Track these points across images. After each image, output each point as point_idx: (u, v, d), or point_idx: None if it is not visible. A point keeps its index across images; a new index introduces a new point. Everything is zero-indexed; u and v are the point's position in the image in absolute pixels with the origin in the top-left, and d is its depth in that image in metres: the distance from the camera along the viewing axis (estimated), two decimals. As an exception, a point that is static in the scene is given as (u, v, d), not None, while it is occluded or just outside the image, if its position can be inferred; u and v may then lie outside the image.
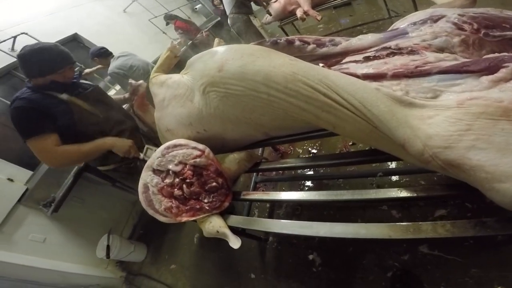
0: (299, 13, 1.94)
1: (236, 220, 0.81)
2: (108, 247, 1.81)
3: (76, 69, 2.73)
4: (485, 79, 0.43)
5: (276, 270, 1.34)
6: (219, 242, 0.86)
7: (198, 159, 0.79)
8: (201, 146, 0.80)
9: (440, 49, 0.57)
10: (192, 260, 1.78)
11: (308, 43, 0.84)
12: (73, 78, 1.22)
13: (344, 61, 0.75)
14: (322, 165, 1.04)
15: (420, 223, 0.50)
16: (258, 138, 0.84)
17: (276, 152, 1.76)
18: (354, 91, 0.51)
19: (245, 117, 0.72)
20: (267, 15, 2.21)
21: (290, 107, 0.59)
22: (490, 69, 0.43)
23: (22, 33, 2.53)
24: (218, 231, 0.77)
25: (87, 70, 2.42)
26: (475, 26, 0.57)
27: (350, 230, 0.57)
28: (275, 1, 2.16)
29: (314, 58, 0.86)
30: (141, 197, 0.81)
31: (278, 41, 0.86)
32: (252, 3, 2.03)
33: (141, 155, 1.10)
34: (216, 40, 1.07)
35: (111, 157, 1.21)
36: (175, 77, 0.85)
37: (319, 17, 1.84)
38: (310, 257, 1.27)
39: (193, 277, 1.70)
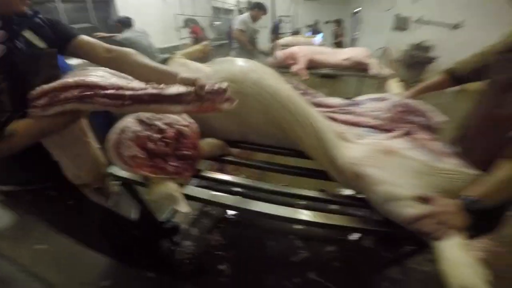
0: (294, 68, 2.40)
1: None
2: None
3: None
4: (386, 135, 0.71)
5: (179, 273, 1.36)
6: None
7: (184, 127, 0.92)
8: (190, 120, 0.95)
9: (376, 118, 0.88)
10: (76, 248, 1.54)
11: (299, 89, 1.14)
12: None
13: (315, 108, 1.04)
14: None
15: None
16: (234, 136, 1.02)
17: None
18: (317, 121, 0.76)
19: (240, 112, 0.88)
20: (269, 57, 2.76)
21: (278, 115, 0.80)
22: (390, 131, 0.72)
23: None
24: (171, 194, 0.84)
25: (101, 34, 2.54)
26: (399, 109, 0.91)
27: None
28: (282, 49, 2.65)
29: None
30: (113, 136, 0.84)
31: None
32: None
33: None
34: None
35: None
36: (197, 64, 1.06)
37: (306, 77, 2.34)
38: (220, 267, 1.35)
39: (66, 265, 1.47)
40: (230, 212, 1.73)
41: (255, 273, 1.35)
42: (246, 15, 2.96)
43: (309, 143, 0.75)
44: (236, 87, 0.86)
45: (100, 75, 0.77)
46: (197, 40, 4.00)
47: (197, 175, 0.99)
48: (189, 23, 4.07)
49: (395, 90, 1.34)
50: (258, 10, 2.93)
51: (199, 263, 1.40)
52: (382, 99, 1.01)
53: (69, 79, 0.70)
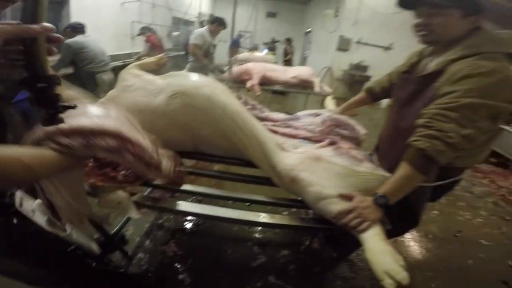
0: (249, 83, 2.57)
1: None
2: None
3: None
4: (316, 145, 0.88)
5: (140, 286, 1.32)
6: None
7: (135, 137, 0.94)
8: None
9: (310, 131, 1.05)
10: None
11: (248, 104, 1.26)
12: None
13: (262, 122, 1.17)
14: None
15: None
16: (186, 147, 1.07)
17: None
18: (261, 133, 0.88)
19: (190, 124, 0.96)
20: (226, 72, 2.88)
21: (227, 128, 0.88)
22: (319, 141, 0.89)
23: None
24: (120, 202, 0.85)
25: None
26: (329, 123, 1.08)
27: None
28: (240, 64, 2.81)
29: (248, 114, 1.27)
30: None
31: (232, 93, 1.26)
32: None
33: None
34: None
35: None
36: (150, 76, 1.08)
37: (258, 93, 2.53)
38: (180, 277, 1.34)
39: None
40: (185, 222, 1.73)
41: (216, 280, 1.37)
42: (204, 29, 3.02)
43: (255, 154, 0.87)
44: (188, 101, 0.92)
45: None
46: (152, 49, 3.89)
47: (151, 184, 1.01)
48: (145, 31, 3.95)
49: (330, 106, 1.58)
50: (218, 25, 3.00)
51: (159, 274, 1.36)
52: (316, 115, 1.19)
53: (108, 125, 0.62)
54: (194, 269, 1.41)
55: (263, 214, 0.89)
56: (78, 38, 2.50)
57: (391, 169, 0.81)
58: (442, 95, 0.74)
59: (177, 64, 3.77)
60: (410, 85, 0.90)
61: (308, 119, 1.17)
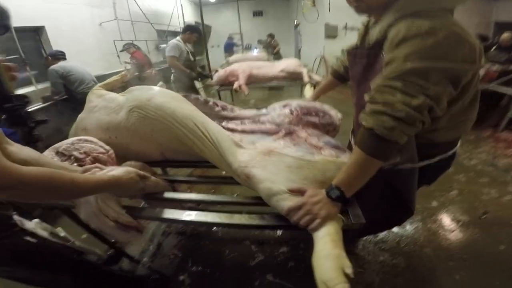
0: (235, 85, 2.54)
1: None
2: None
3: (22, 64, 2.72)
4: (272, 137, 0.86)
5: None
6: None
7: (100, 155, 0.97)
8: (107, 147, 1.00)
9: (277, 124, 1.02)
10: None
11: (218, 106, 1.26)
12: None
13: (231, 121, 1.17)
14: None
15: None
16: (155, 157, 1.09)
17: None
18: (216, 133, 0.87)
19: (151, 135, 0.99)
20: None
21: (180, 133, 0.90)
22: (275, 133, 0.87)
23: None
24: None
25: None
26: (298, 112, 1.04)
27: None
28: (221, 69, 2.77)
29: (218, 117, 1.26)
30: None
31: (199, 98, 1.26)
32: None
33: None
34: (160, 83, 1.43)
35: None
36: (112, 94, 1.11)
37: (246, 92, 2.49)
38: (181, 277, 1.37)
39: None
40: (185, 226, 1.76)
41: (215, 280, 1.39)
42: (177, 39, 2.97)
43: (210, 154, 0.86)
44: (143, 113, 0.94)
45: None
46: (139, 65, 3.98)
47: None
48: (128, 47, 4.05)
49: (308, 94, 1.54)
50: (190, 33, 2.97)
51: (161, 276, 1.39)
52: (285, 106, 1.17)
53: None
54: (194, 270, 1.44)
55: (241, 216, 0.81)
56: (62, 63, 2.60)
57: None
58: (386, 65, 0.65)
59: (168, 76, 3.83)
60: (361, 60, 0.84)
61: (276, 111, 1.14)
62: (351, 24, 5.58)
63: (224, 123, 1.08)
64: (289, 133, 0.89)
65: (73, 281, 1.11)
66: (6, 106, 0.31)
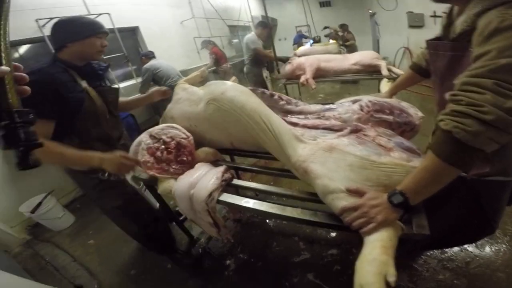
0: (302, 78, 2.49)
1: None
2: (39, 204, 1.85)
3: (125, 60, 3.44)
4: (335, 134, 0.83)
5: (191, 265, 1.55)
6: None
7: (183, 140, 1.16)
8: (188, 134, 1.19)
9: (345, 120, 0.98)
10: (116, 244, 1.85)
11: (282, 99, 1.29)
12: (100, 68, 1.20)
13: (295, 115, 1.18)
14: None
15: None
16: (225, 145, 1.23)
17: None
18: (278, 126, 0.90)
19: (223, 126, 1.11)
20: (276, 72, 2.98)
21: (247, 124, 0.97)
22: (341, 130, 0.84)
23: (105, 13, 3.07)
24: (171, 191, 1.07)
25: None
26: (369, 109, 0.98)
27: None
28: (289, 63, 2.76)
29: (282, 110, 1.30)
30: (133, 147, 1.15)
31: (266, 92, 1.32)
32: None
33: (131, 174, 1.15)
34: (233, 77, 1.58)
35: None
36: (194, 88, 1.30)
37: (313, 86, 2.41)
38: (227, 262, 1.51)
39: (106, 257, 1.78)
40: (242, 214, 1.90)
41: (256, 270, 1.48)
42: (252, 34, 3.27)
43: (272, 146, 0.90)
44: (217, 105, 1.06)
45: None
46: (217, 59, 4.36)
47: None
48: (206, 44, 4.48)
49: (384, 89, 1.39)
50: (262, 28, 3.23)
51: (211, 257, 1.58)
52: (354, 101, 1.10)
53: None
54: (240, 257, 1.56)
55: (293, 209, 0.84)
56: (152, 62, 3.11)
57: None
58: (475, 59, 0.56)
59: (242, 69, 4.04)
60: (444, 53, 0.73)
61: (344, 107, 1.09)
62: (440, 12, 4.58)
63: (288, 117, 1.11)
64: (355, 131, 0.84)
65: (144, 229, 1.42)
66: (2, 123, 0.36)
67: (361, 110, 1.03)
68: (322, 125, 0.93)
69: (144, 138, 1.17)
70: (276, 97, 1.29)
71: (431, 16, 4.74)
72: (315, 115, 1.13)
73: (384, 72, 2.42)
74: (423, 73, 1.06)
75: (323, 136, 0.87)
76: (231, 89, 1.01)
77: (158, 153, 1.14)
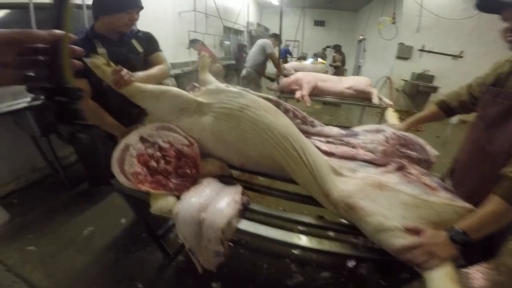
0: (298, 94, 2.47)
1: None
2: None
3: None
4: (379, 169, 0.75)
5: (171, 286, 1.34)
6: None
7: (185, 147, 0.95)
8: (191, 140, 0.96)
9: (370, 151, 0.92)
10: (66, 252, 1.52)
11: (297, 117, 1.18)
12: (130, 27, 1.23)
13: (313, 137, 1.08)
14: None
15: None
16: (233, 163, 1.02)
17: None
18: (313, 157, 0.80)
19: (238, 145, 0.93)
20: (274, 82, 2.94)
21: (274, 151, 0.83)
22: (383, 165, 0.76)
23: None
24: (170, 210, 0.85)
25: None
26: (394, 142, 0.95)
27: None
28: (287, 76, 2.74)
29: (296, 129, 1.19)
30: (117, 153, 0.88)
31: (280, 103, 1.18)
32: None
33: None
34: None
35: None
36: (189, 96, 1.01)
37: (308, 104, 2.41)
38: (214, 285, 1.34)
39: (54, 269, 1.43)
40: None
41: None
42: (269, 40, 3.31)
43: (303, 177, 0.79)
44: (235, 124, 0.88)
45: None
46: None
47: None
48: (194, 44, 4.25)
49: (392, 120, 1.38)
50: (275, 40, 3.32)
51: (194, 279, 1.37)
52: (378, 131, 1.04)
53: None
54: (228, 278, 1.39)
55: (306, 237, 0.78)
56: None
57: (470, 197, 0.72)
58: None
59: (228, 73, 3.88)
60: (502, 102, 0.75)
61: (367, 136, 1.03)
62: (429, 47, 5.11)
63: (312, 140, 1.00)
64: (400, 168, 0.77)
65: None
66: (56, 98, 0.29)
67: (387, 142, 0.98)
68: (359, 156, 0.84)
69: (132, 141, 0.91)
70: (290, 114, 1.16)
71: (419, 50, 5.20)
72: (338, 140, 1.04)
73: (375, 100, 2.50)
74: (448, 112, 1.06)
75: (363, 169, 0.78)
76: (253, 105, 0.86)
77: (153, 163, 0.91)
